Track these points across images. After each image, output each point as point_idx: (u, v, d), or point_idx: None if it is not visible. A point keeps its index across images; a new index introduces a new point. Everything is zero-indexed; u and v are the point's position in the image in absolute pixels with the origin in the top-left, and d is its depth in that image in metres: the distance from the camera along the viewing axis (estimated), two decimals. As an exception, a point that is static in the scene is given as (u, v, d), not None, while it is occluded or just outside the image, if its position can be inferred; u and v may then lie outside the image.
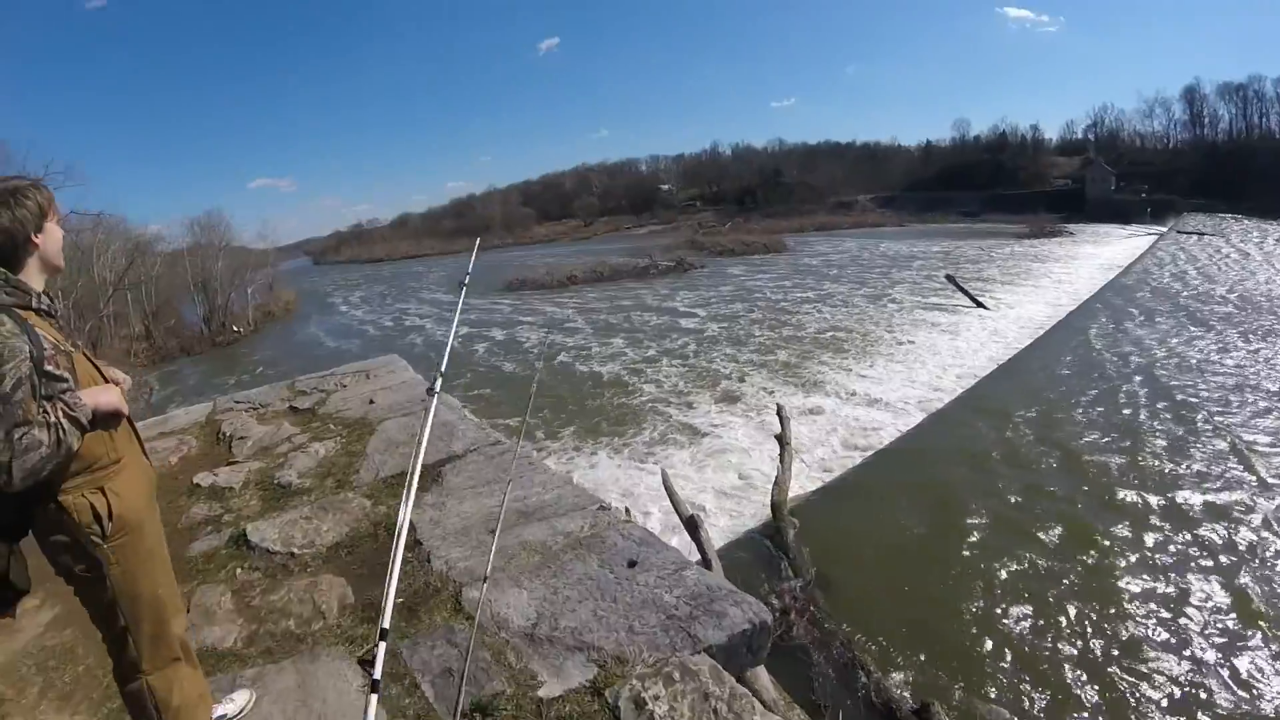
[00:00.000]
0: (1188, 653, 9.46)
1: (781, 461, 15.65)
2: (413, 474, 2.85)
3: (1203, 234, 67.91)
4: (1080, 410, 20.14)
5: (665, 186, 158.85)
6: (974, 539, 13.18)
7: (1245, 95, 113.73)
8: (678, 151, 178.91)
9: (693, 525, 11.03)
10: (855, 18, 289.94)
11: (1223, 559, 11.75)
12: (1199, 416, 18.59)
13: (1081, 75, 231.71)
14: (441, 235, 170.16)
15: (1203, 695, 8.69)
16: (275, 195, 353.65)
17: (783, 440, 16.46)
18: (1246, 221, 78.39)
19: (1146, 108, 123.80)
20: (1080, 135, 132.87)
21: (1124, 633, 9.99)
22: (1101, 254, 60.88)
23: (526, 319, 49.30)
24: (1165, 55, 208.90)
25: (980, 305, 36.45)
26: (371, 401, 7.24)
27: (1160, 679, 9.01)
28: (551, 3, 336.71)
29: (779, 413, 17.66)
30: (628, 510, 9.83)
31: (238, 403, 7.83)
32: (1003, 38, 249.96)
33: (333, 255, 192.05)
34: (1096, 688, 9.03)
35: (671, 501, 12.71)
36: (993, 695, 9.03)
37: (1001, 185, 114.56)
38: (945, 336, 31.26)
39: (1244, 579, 11.05)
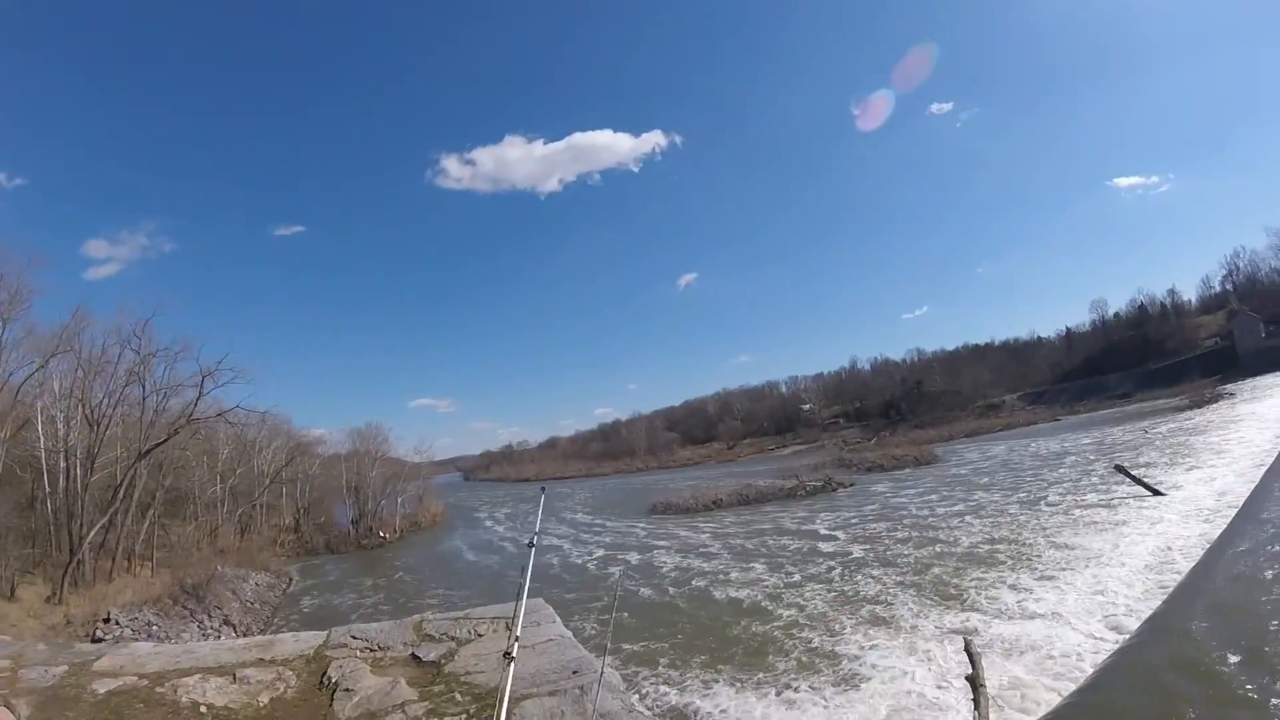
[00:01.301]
0: None
1: (977, 709, 12.73)
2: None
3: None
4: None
5: (807, 406, 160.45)
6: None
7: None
8: (816, 370, 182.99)
9: None
10: (977, 222, 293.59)
11: None
12: None
13: (1206, 227, 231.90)
14: (588, 458, 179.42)
15: None
16: (433, 415, 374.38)
17: (975, 681, 13.44)
18: None
19: (1278, 242, 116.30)
20: (1219, 288, 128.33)
21: None
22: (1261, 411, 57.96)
23: (661, 543, 48.35)
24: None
25: (1155, 492, 34.53)
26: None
27: None
28: (689, 244, 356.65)
29: (967, 649, 14.28)
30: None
31: (355, 638, 6.57)
32: (1119, 208, 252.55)
33: (482, 473, 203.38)
34: None
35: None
36: None
37: (1150, 359, 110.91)
38: (1125, 536, 28.58)
39: None
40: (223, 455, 64.83)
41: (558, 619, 6.86)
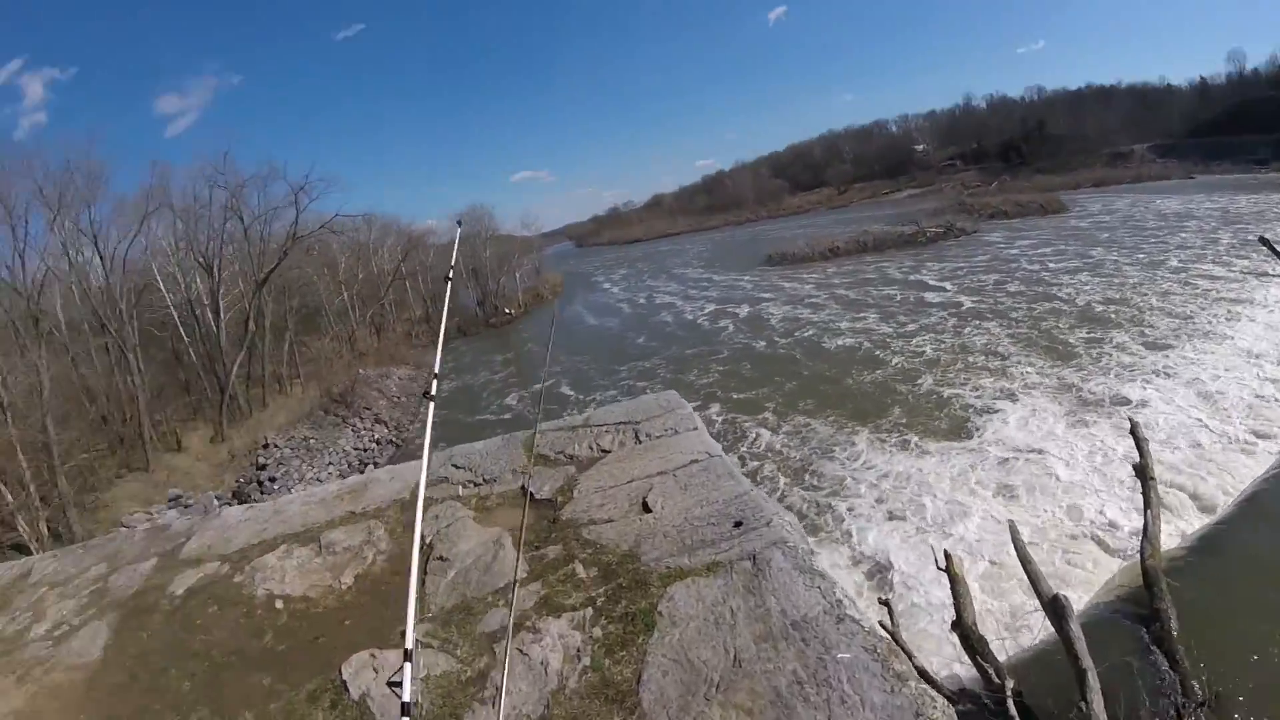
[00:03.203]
0: None
1: (1147, 505, 10.59)
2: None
3: None
4: None
5: (920, 147, 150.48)
6: None
7: None
8: (927, 108, 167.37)
9: (1057, 611, 7.83)
10: None
11: None
12: None
13: None
14: (694, 212, 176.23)
15: None
16: (536, 186, 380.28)
17: (1144, 472, 11.02)
18: None
19: None
20: None
21: None
22: None
23: (767, 295, 49.62)
24: None
25: None
26: (646, 507, 4.24)
27: None
28: None
29: (1133, 431, 11.90)
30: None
31: (456, 467, 5.42)
32: None
33: (593, 238, 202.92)
34: None
35: (1026, 570, 9.07)
36: None
37: None
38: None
39: None
40: (341, 265, 66.94)
41: (699, 422, 5.40)
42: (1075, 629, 7.62)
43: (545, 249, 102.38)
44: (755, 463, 20.62)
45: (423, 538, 4.36)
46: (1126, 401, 20.01)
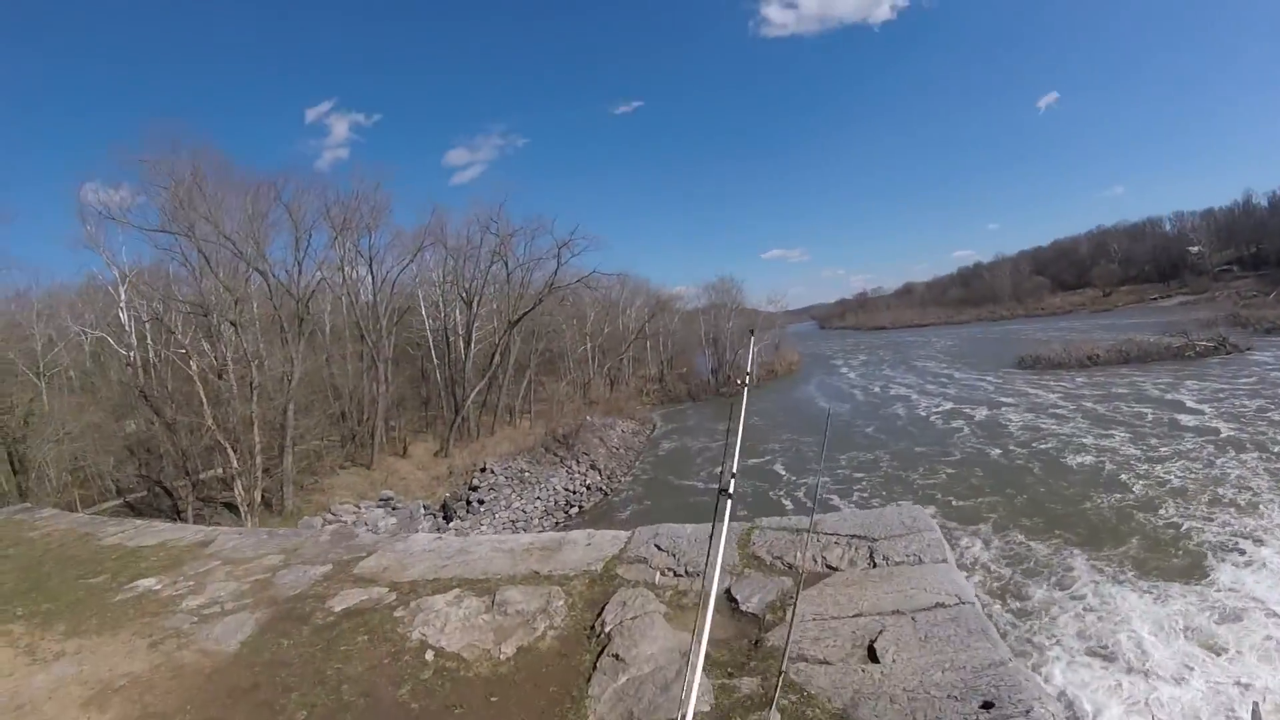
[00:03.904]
0: None
1: None
2: None
3: None
4: None
5: (1195, 249, 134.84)
6: None
7: None
8: (1205, 205, 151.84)
9: None
10: None
11: None
12: None
13: None
14: (946, 304, 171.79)
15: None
16: (785, 265, 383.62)
17: None
18: None
19: None
20: None
21: None
22: None
23: (1008, 399, 47.03)
24: None
25: None
26: (872, 654, 3.35)
27: None
28: (1046, 61, 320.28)
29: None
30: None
31: (659, 549, 4.76)
32: None
33: (837, 321, 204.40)
34: None
35: None
36: None
37: None
38: None
39: None
40: (590, 317, 71.08)
41: (949, 553, 4.47)
42: None
43: (787, 326, 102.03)
44: (971, 575, 19.26)
45: (602, 624, 3.87)
46: None
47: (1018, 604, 17.42)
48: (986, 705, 2.86)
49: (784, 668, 3.16)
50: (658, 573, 4.44)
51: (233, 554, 5.27)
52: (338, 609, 4.23)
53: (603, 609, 4.04)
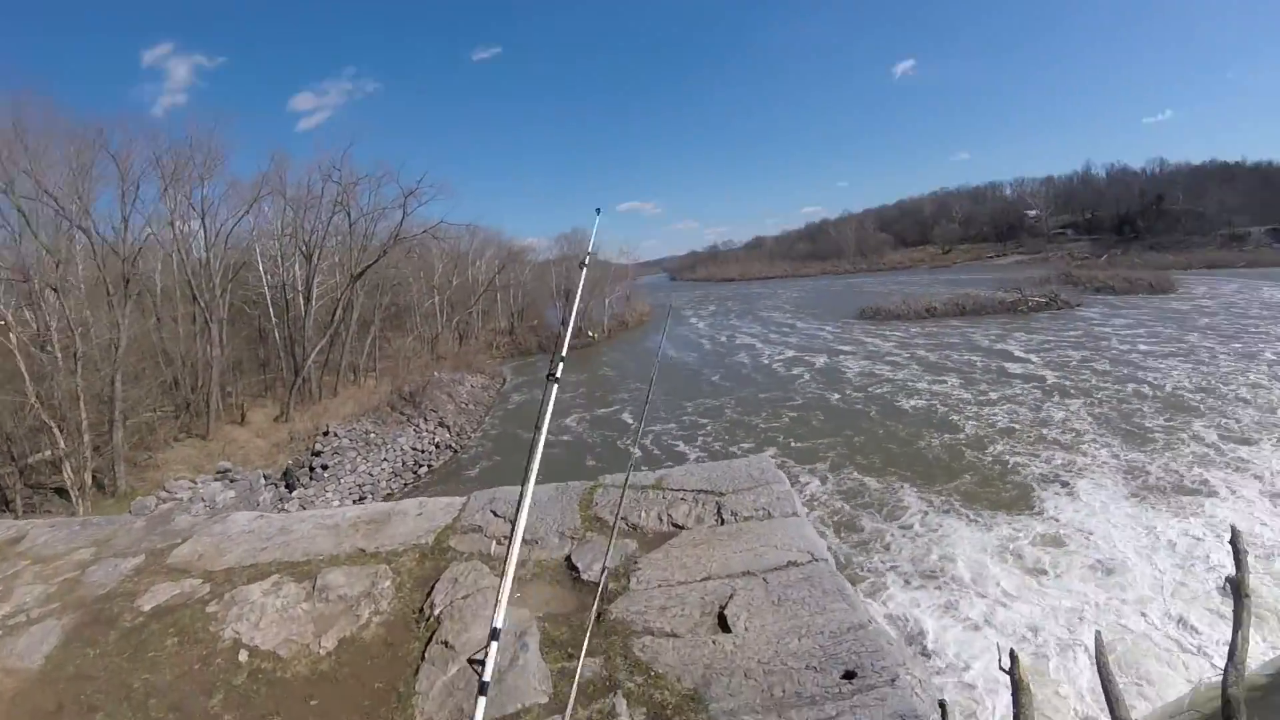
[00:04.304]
0: None
1: (1237, 626, 8.59)
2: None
3: None
4: None
5: (1032, 213, 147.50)
6: None
7: None
8: (1045, 173, 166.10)
9: None
10: (1233, 14, 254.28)
11: None
12: None
13: None
14: (794, 258, 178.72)
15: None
16: (639, 218, 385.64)
17: (1240, 589, 9.21)
18: None
19: None
20: None
21: None
22: None
23: (847, 348, 49.78)
24: None
25: None
26: (723, 622, 3.15)
27: None
28: (903, 24, 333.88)
29: (1233, 542, 10.24)
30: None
31: (496, 514, 4.43)
32: None
33: (688, 273, 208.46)
34: None
35: (1106, 691, 7.57)
36: None
37: None
38: None
39: None
40: (438, 270, 69.07)
41: (799, 505, 4.25)
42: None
43: (639, 278, 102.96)
44: (809, 510, 20.18)
45: (432, 606, 3.52)
46: (1198, 492, 19.67)
47: (854, 536, 18.38)
48: (849, 675, 2.70)
49: (629, 644, 3.02)
50: (493, 542, 4.13)
51: (44, 550, 4.66)
52: (147, 608, 3.75)
53: (433, 588, 3.72)
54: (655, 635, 3.12)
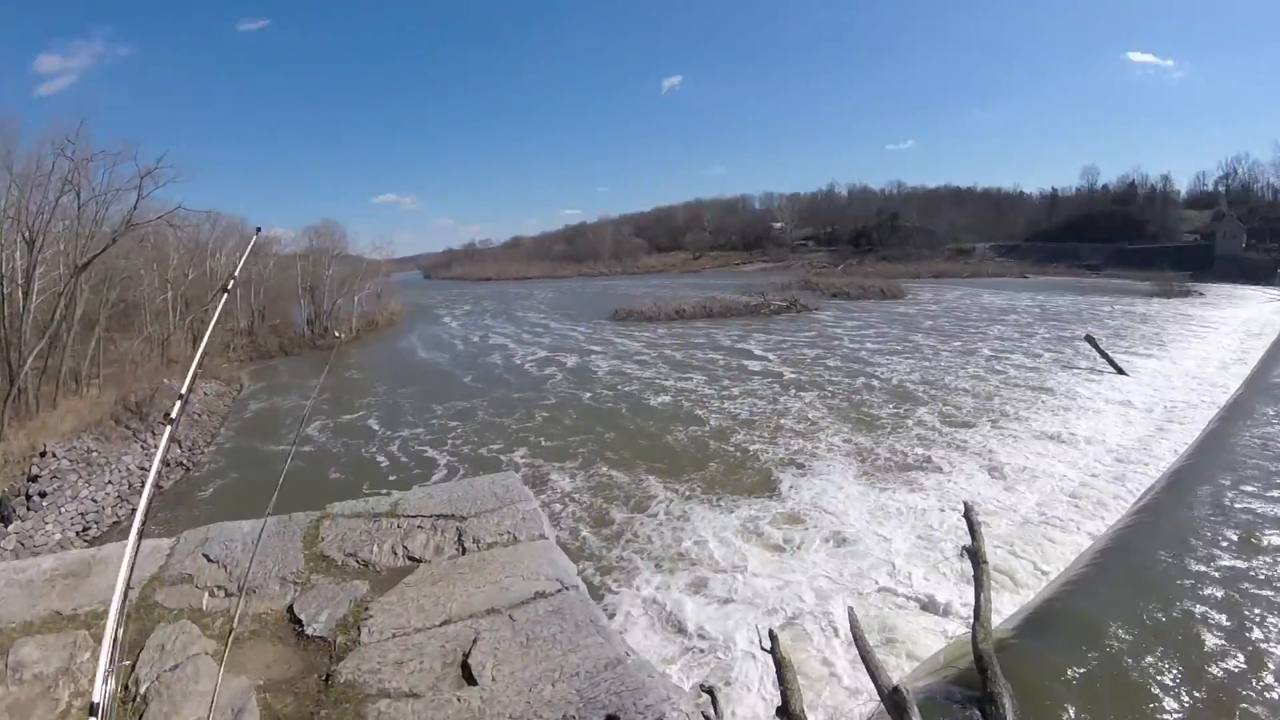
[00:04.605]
0: None
1: (979, 589, 10.58)
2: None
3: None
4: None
5: (778, 224, 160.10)
6: None
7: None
8: (793, 190, 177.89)
9: (898, 704, 7.54)
10: (975, 61, 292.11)
11: None
12: None
13: (1216, 123, 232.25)
14: (551, 259, 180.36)
15: None
16: (396, 211, 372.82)
17: (977, 556, 11.07)
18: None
19: None
20: (1211, 187, 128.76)
21: None
22: (1243, 315, 57.97)
23: (597, 349, 50.80)
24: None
25: (1120, 371, 34.49)
26: (468, 673, 3.01)
27: None
28: (677, 44, 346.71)
29: (967, 515, 11.97)
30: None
31: (209, 559, 3.98)
32: (1128, 83, 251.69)
33: (444, 271, 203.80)
34: None
35: (865, 661, 8.81)
36: None
37: (1128, 238, 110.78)
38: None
39: None
40: (173, 262, 62.17)
41: (547, 525, 4.16)
42: None
43: (392, 276, 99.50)
44: (559, 506, 20.68)
45: (137, 683, 3.07)
46: (924, 469, 21.82)
47: (606, 530, 18.70)
48: (610, 720, 2.45)
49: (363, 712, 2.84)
50: (206, 594, 3.66)
51: None
52: None
53: (138, 658, 3.19)
54: (393, 698, 2.85)
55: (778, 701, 8.62)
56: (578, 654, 2.95)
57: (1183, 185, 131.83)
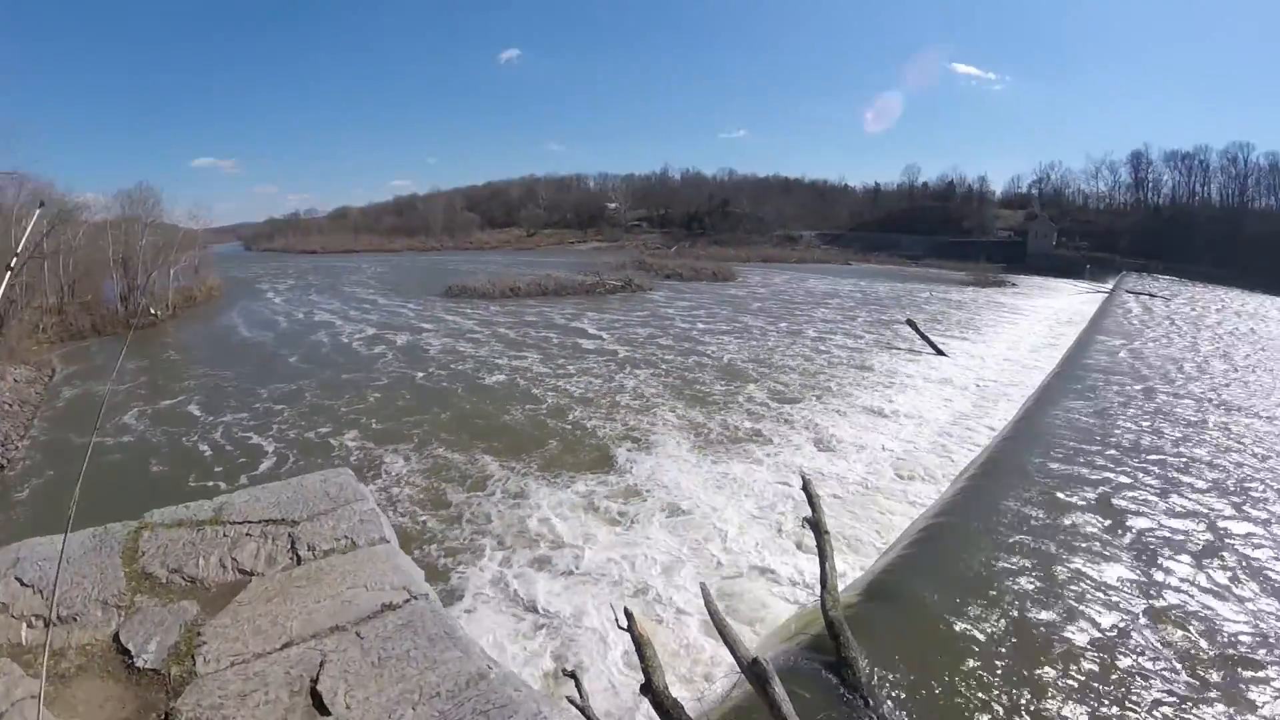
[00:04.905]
0: None
1: (823, 558, 10.58)
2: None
3: (1154, 295, 69.81)
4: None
5: (613, 205, 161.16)
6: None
7: (1190, 165, 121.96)
8: (628, 171, 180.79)
9: (759, 675, 7.37)
10: (811, 58, 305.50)
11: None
12: None
13: (1030, 133, 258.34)
14: (380, 232, 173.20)
15: None
16: (217, 176, 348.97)
17: (818, 526, 11.09)
18: (1196, 286, 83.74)
19: (1093, 168, 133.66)
20: (1025, 190, 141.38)
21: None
22: (1054, 305, 63.70)
23: (428, 326, 49.69)
24: (1116, 120, 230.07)
25: (940, 352, 36.34)
26: (318, 702, 2.69)
27: None
28: (517, 16, 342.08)
29: (805, 487, 11.88)
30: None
31: (23, 583, 3.35)
32: (953, 92, 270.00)
33: (265, 242, 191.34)
34: None
35: (722, 635, 8.41)
36: None
37: (946, 232, 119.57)
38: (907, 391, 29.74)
39: None
40: None
41: (387, 527, 3.83)
42: (779, 690, 7.25)
43: (210, 247, 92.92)
44: (395, 490, 19.79)
45: None
46: (754, 441, 22.45)
47: (444, 511, 18.05)
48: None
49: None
50: (23, 625, 3.06)
51: None
52: None
53: None
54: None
55: (637, 678, 8.28)
56: (436, 671, 2.72)
57: (998, 186, 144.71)
